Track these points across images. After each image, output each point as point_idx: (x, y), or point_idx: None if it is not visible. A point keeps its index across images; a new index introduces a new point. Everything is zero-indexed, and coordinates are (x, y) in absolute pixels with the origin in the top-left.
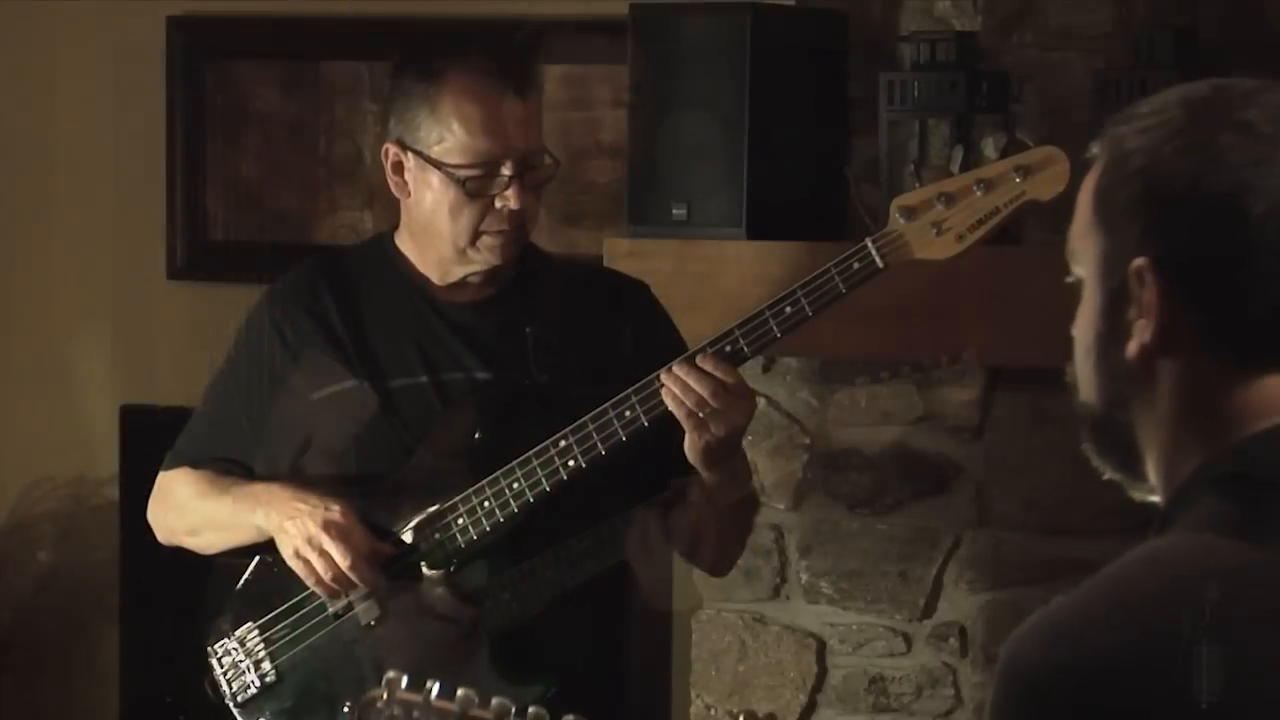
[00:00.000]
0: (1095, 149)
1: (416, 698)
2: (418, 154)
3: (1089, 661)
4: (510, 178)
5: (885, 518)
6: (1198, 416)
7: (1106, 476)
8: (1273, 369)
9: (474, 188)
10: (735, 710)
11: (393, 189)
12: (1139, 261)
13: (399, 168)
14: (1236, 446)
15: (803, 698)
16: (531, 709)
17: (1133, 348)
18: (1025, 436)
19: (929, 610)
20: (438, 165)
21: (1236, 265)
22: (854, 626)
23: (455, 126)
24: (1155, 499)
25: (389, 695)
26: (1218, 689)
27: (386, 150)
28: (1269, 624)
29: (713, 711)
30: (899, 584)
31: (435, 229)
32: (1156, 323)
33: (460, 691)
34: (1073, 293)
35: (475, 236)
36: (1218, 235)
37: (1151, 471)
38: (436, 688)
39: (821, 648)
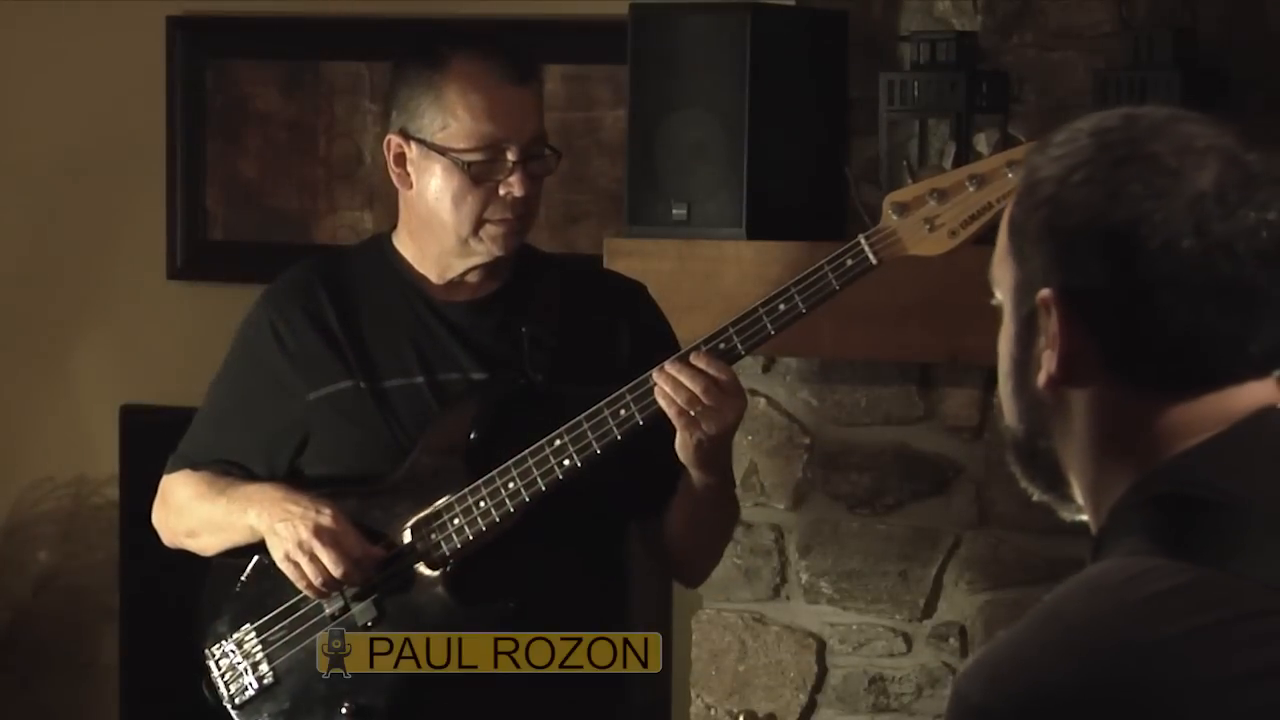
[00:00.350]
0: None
1: None
2: (421, 142)
3: (1034, 694)
4: (514, 163)
5: (885, 518)
6: (1115, 443)
7: (1036, 498)
8: (1183, 395)
9: (478, 172)
10: (735, 710)
11: (394, 181)
12: (1044, 292)
13: (401, 159)
14: (1162, 468)
15: (803, 698)
16: None
17: (1041, 377)
18: None
19: (929, 610)
20: (442, 151)
21: (1136, 297)
22: (854, 626)
23: (460, 112)
24: (1084, 518)
25: None
26: (1162, 712)
27: (389, 141)
28: (1209, 642)
29: (713, 711)
30: (899, 584)
31: (438, 219)
32: (1060, 353)
33: None
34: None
35: (479, 225)
36: (1117, 267)
37: (1078, 494)
38: None
39: (821, 648)
